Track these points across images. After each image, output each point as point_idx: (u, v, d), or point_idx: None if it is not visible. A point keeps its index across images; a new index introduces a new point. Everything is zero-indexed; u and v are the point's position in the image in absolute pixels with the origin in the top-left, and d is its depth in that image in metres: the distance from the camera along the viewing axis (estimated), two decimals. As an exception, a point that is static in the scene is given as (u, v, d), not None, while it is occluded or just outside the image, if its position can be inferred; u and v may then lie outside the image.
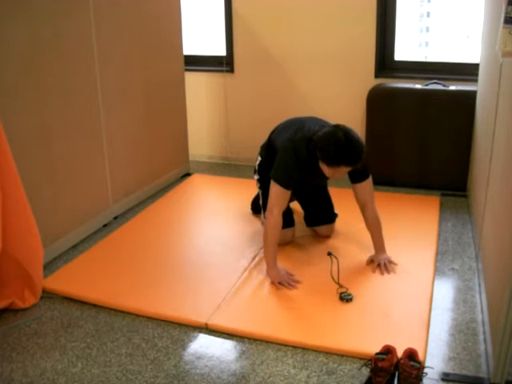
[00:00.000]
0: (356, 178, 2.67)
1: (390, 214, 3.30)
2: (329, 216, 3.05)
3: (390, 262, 2.68)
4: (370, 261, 2.72)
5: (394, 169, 3.84)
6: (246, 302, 2.41)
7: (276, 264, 2.58)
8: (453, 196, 3.66)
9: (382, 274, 2.62)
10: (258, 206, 3.29)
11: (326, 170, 2.50)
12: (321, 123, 2.65)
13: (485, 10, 3.31)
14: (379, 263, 2.66)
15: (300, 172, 2.59)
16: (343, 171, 2.48)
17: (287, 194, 2.59)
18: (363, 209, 2.72)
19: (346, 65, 4.00)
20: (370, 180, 2.69)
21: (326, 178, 2.71)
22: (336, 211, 3.09)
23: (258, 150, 3.02)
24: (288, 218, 2.93)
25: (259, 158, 2.98)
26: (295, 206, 3.12)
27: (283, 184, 2.56)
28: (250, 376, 1.98)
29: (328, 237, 3.02)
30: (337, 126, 2.48)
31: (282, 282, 2.53)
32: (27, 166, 2.60)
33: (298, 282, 2.55)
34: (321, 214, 3.04)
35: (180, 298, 2.46)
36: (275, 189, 2.57)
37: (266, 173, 2.83)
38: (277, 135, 2.79)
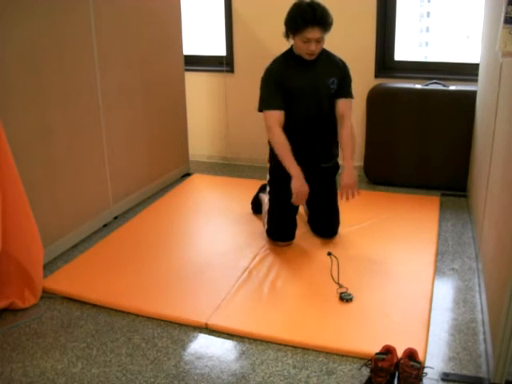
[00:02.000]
0: (339, 92, 2.80)
1: (390, 213, 3.30)
2: (333, 230, 3.02)
3: (354, 187, 2.73)
4: (340, 185, 2.77)
5: (394, 169, 3.84)
6: (246, 302, 2.41)
7: (299, 174, 2.68)
8: (453, 196, 3.66)
9: (341, 198, 2.76)
10: (258, 206, 3.30)
11: (299, 44, 2.65)
12: None
13: (485, 10, 3.31)
14: (344, 188, 2.73)
15: (282, 83, 2.72)
16: (314, 36, 2.57)
17: (278, 113, 2.72)
18: (341, 120, 2.81)
19: (345, 65, 4.00)
20: (351, 101, 2.83)
21: (319, 83, 2.76)
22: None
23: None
24: (289, 233, 2.94)
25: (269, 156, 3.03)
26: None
27: (266, 107, 2.73)
28: (250, 376, 1.98)
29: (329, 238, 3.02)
30: None
31: (296, 197, 2.67)
32: (27, 165, 2.60)
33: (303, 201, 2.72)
34: (326, 227, 3.02)
35: (180, 298, 2.46)
36: (265, 116, 2.76)
37: (273, 171, 2.94)
38: None
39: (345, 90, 2.83)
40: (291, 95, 2.74)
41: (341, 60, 2.84)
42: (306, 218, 3.15)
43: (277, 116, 2.72)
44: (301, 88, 2.76)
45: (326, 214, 3.02)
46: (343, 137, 2.79)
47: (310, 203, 3.06)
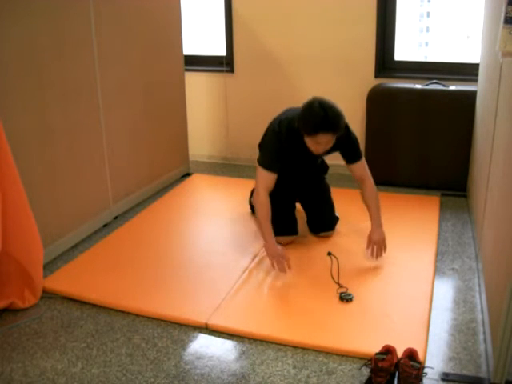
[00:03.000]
0: (349, 159, 2.76)
1: (390, 213, 3.30)
2: (330, 223, 3.06)
3: (383, 244, 2.69)
4: (368, 241, 2.73)
5: (394, 169, 3.84)
6: (246, 302, 2.41)
7: (273, 239, 2.62)
8: (453, 196, 3.66)
9: (374, 257, 2.68)
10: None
11: (309, 143, 2.56)
12: None
13: (485, 10, 3.31)
14: (374, 245, 2.70)
15: (284, 154, 2.66)
16: (325, 140, 2.51)
17: (272, 176, 2.66)
18: (362, 182, 2.78)
19: (346, 65, 4.00)
20: (363, 161, 2.78)
21: (315, 158, 2.73)
22: (337, 214, 3.10)
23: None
24: (291, 226, 2.97)
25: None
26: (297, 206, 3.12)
27: (266, 167, 2.66)
28: (250, 376, 1.98)
29: (328, 237, 3.03)
30: (314, 97, 2.54)
31: (277, 262, 2.57)
32: (27, 165, 2.60)
33: (289, 266, 2.58)
34: (322, 221, 3.05)
35: (180, 298, 2.46)
36: (260, 172, 2.67)
37: None
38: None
39: (354, 155, 2.76)
40: (287, 162, 2.73)
41: (343, 128, 2.61)
42: (305, 218, 3.15)
43: (269, 179, 2.66)
44: (299, 160, 2.79)
45: (320, 208, 3.05)
46: (367, 199, 2.77)
47: (304, 202, 3.08)
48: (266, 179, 2.66)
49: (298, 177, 2.98)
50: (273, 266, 2.59)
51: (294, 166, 2.84)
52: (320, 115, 2.45)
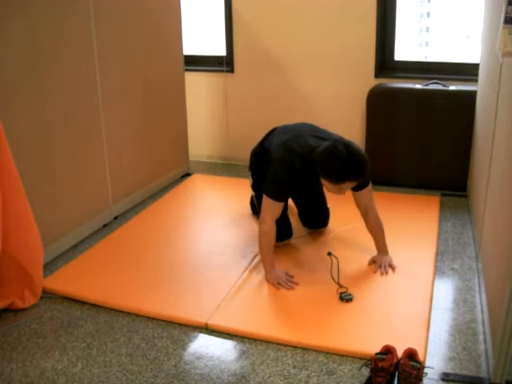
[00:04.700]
0: (356, 186, 2.60)
1: (390, 214, 3.30)
2: (322, 220, 3.07)
3: (391, 265, 2.67)
4: (372, 261, 2.72)
5: (394, 169, 3.84)
6: (246, 302, 2.41)
7: (273, 268, 2.58)
8: (453, 196, 3.66)
9: (382, 274, 2.62)
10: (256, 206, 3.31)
11: (329, 187, 2.43)
12: (318, 135, 2.59)
13: (485, 10, 3.31)
14: (380, 265, 2.66)
15: (293, 184, 2.57)
16: (349, 186, 2.40)
17: (280, 205, 2.56)
18: (365, 214, 2.70)
19: (346, 65, 4.01)
20: (370, 187, 2.67)
21: (320, 184, 2.64)
22: (328, 205, 3.09)
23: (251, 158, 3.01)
24: (286, 230, 2.94)
25: (250, 163, 3.00)
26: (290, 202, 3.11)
27: (275, 198, 2.54)
28: (250, 376, 1.98)
29: (322, 232, 3.07)
30: (337, 141, 2.40)
31: (280, 283, 2.52)
32: (27, 166, 2.60)
33: (296, 283, 2.54)
34: (315, 218, 3.07)
35: (180, 298, 2.46)
36: (267, 201, 2.55)
37: (258, 177, 2.87)
38: (272, 142, 2.72)
39: (363, 182, 2.60)
40: (295, 187, 2.67)
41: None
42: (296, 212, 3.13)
43: (277, 209, 2.56)
44: (307, 185, 2.78)
45: (313, 205, 3.05)
46: (372, 230, 2.71)
47: (297, 199, 3.08)
48: (274, 209, 2.56)
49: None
50: (277, 287, 2.51)
51: (298, 189, 2.83)
52: (349, 164, 2.28)
